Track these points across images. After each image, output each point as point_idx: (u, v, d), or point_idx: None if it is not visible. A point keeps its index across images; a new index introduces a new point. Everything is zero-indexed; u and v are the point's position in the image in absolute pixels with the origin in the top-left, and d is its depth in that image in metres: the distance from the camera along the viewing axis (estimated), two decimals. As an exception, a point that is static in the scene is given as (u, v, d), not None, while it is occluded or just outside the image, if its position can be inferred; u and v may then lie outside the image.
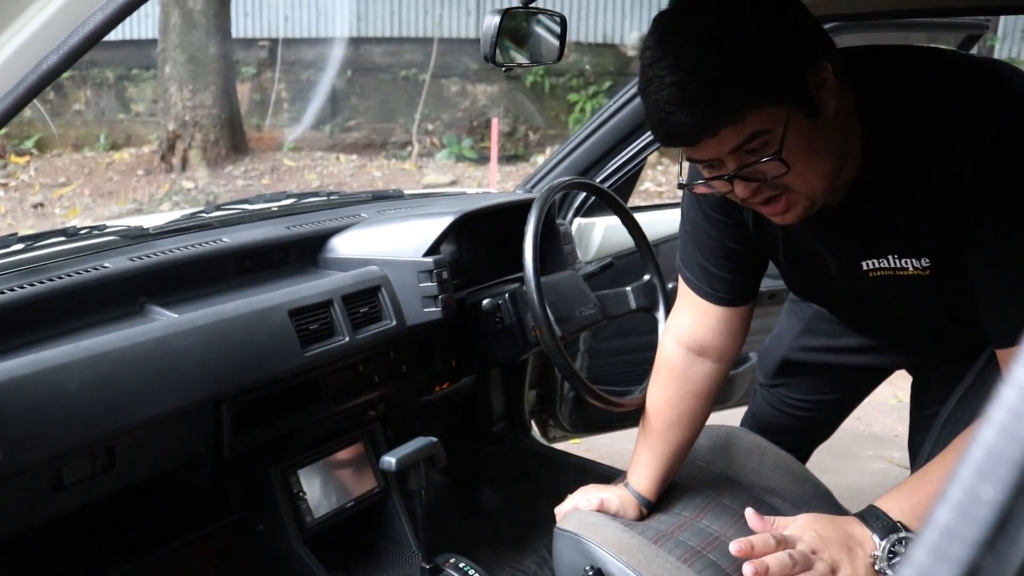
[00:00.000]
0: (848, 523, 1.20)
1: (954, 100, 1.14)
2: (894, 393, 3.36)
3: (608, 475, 2.25)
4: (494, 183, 7.52)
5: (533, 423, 2.58)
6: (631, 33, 9.36)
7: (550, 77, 9.45)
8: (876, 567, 1.14)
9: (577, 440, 3.01)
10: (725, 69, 1.03)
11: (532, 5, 1.19)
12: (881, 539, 1.16)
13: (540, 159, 8.49)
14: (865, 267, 1.29)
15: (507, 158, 8.89)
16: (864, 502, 1.27)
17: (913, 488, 1.20)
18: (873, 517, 1.18)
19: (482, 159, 8.84)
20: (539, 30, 1.26)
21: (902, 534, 1.15)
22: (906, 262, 1.24)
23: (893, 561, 1.13)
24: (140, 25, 9.32)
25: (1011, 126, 1.10)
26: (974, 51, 2.74)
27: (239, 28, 9.17)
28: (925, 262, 1.22)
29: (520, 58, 1.23)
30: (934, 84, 1.17)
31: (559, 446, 2.63)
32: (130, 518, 1.60)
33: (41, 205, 7.09)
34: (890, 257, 1.25)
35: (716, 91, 1.04)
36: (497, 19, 1.12)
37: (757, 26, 1.05)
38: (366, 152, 8.75)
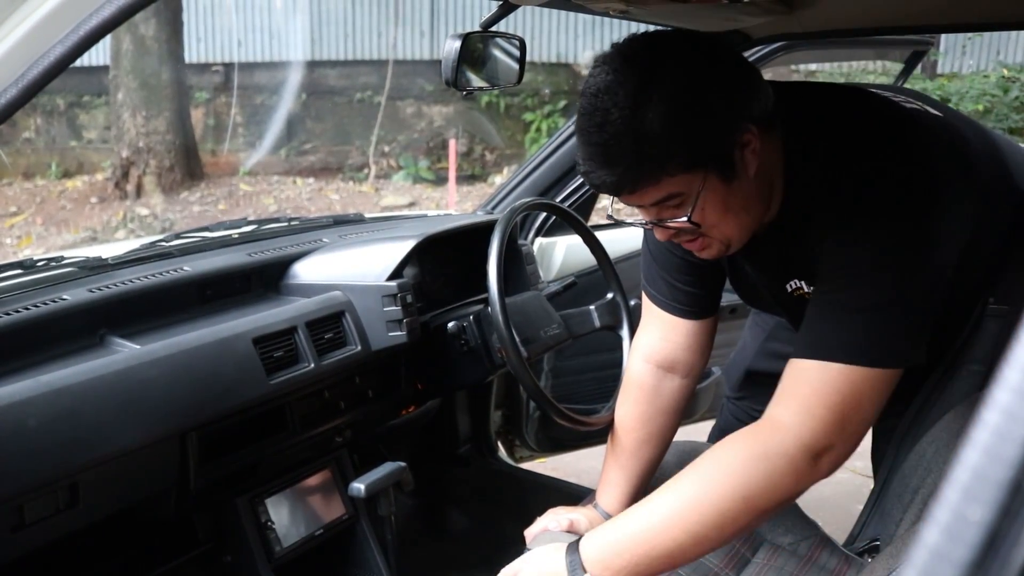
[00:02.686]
0: (556, 563, 1.27)
1: (860, 155, 1.20)
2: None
3: (576, 494, 2.26)
4: (453, 204, 7.53)
5: (499, 444, 2.57)
6: (584, 52, 9.47)
7: (505, 97, 9.51)
8: None
9: (543, 459, 3.01)
10: (645, 138, 1.10)
11: (491, 29, 1.20)
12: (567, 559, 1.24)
13: (498, 179, 8.53)
14: (789, 288, 1.37)
15: (464, 178, 8.91)
16: (829, 511, 1.29)
17: (612, 528, 1.25)
18: (574, 551, 1.25)
19: (439, 180, 8.85)
20: (498, 53, 1.28)
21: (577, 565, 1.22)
22: (804, 285, 1.33)
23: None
24: (91, 52, 9.19)
25: (890, 196, 1.16)
26: (920, 68, 2.82)
27: (192, 53, 9.10)
28: (809, 287, 1.31)
29: (480, 82, 1.25)
30: (853, 138, 1.23)
31: (526, 466, 2.63)
32: (95, 554, 1.56)
33: (-9, 235, 6.96)
34: (801, 280, 1.34)
35: (635, 157, 1.11)
36: (458, 44, 1.13)
37: (683, 92, 1.11)
38: (323, 175, 8.72)
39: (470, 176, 8.97)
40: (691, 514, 1.16)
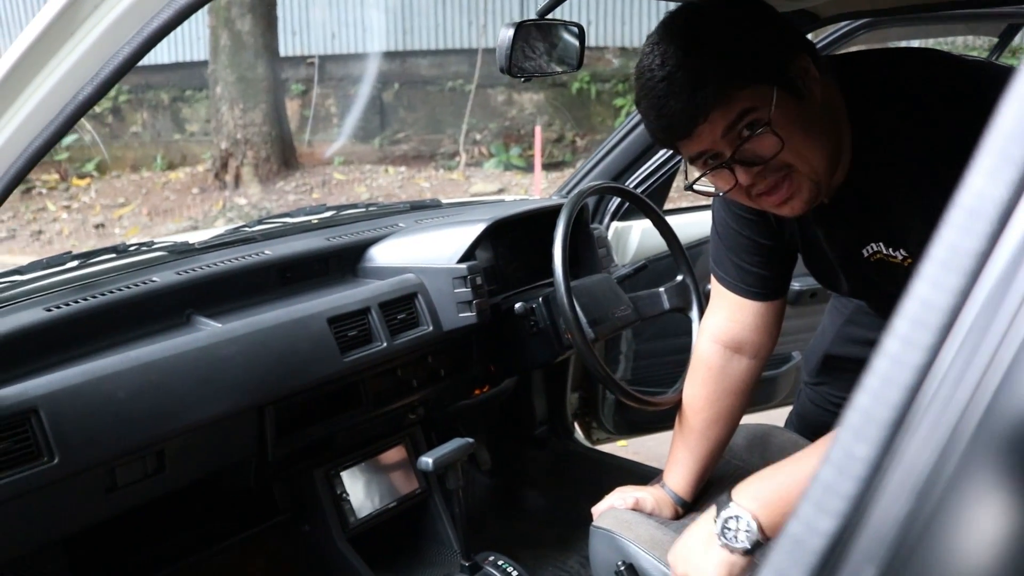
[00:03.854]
0: (699, 526, 1.28)
1: (926, 110, 1.16)
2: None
3: (650, 475, 2.27)
4: (538, 190, 7.56)
5: (576, 425, 2.60)
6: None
7: (596, 83, 9.46)
8: (718, 542, 1.22)
9: (624, 443, 3.02)
10: (707, 57, 1.10)
11: (547, 17, 1.23)
12: (716, 516, 1.23)
13: (586, 165, 8.50)
14: (865, 254, 1.32)
15: (554, 164, 8.92)
16: None
17: (763, 476, 1.24)
18: (721, 503, 1.25)
19: (530, 167, 8.89)
20: (556, 40, 1.30)
21: (737, 511, 1.20)
22: (891, 250, 1.28)
23: (727, 534, 1.21)
24: (191, 47, 9.58)
25: (968, 138, 1.11)
26: (1016, 40, 2.69)
27: (287, 47, 9.37)
28: (902, 253, 1.26)
29: (537, 69, 1.27)
30: (920, 89, 1.19)
31: (603, 448, 2.64)
32: (181, 520, 1.67)
33: (102, 225, 7.33)
34: (881, 243, 1.29)
35: (701, 77, 1.09)
36: (511, 32, 1.16)
37: (734, 22, 1.13)
38: (414, 164, 8.86)
39: (560, 162, 8.98)
40: None
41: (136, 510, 1.40)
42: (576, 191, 1.69)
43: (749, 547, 1.19)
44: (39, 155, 0.77)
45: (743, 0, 1.19)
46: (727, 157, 1.15)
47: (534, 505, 2.43)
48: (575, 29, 1.32)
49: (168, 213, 7.45)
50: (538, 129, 7.96)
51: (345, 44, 9.67)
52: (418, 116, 9.63)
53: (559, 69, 1.30)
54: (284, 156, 7.95)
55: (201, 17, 8.66)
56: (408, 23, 9.62)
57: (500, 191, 7.80)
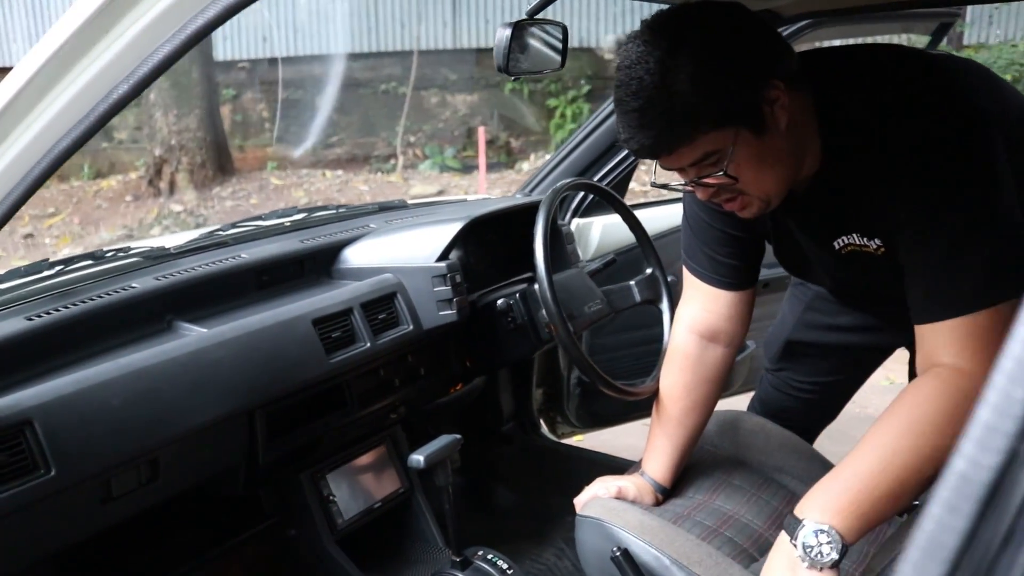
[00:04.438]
0: (777, 554, 1.26)
1: (898, 101, 1.25)
2: (886, 375, 3.44)
3: (617, 466, 2.31)
4: (483, 190, 7.58)
5: (541, 421, 2.64)
6: (606, 36, 9.46)
7: (529, 84, 9.53)
8: (805, 563, 1.20)
9: (580, 437, 3.07)
10: (677, 100, 1.17)
11: (537, 17, 1.26)
12: (793, 540, 1.22)
13: (525, 165, 8.56)
14: (837, 245, 1.40)
15: (491, 166, 8.95)
16: None
17: (825, 488, 1.25)
18: (791, 525, 1.24)
19: (466, 168, 8.90)
20: (542, 40, 1.33)
21: (815, 526, 1.20)
22: (866, 240, 1.36)
23: (811, 553, 1.19)
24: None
25: (940, 128, 1.21)
26: (945, 39, 2.83)
27: (219, 51, 9.20)
28: (877, 243, 1.34)
29: (528, 67, 1.30)
30: (886, 85, 1.28)
31: (567, 441, 2.69)
32: (166, 531, 1.65)
33: (31, 236, 7.09)
34: (855, 235, 1.37)
35: (669, 119, 1.18)
36: (508, 32, 1.19)
37: (709, 55, 1.18)
38: (350, 167, 8.80)
39: (496, 163, 9.01)
40: (906, 457, 1.19)
41: (128, 521, 1.38)
42: (552, 188, 1.72)
43: (837, 558, 1.18)
44: (68, 154, 0.76)
45: (728, 10, 1.23)
46: (687, 178, 1.28)
47: (505, 500, 2.45)
48: (560, 29, 1.35)
49: (101, 222, 7.24)
50: (482, 130, 7.99)
51: (277, 48, 9.54)
52: (352, 119, 9.56)
53: (547, 68, 1.34)
54: (220, 162, 7.82)
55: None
56: (341, 25, 9.54)
57: (439, 193, 7.80)
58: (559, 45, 1.37)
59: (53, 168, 0.79)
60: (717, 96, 1.18)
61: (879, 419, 1.25)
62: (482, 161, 7.74)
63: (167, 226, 6.80)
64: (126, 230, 6.79)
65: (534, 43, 1.30)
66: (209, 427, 1.39)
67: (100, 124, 0.74)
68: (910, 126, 1.22)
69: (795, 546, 1.21)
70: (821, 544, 1.19)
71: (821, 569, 1.19)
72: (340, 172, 8.44)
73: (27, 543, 1.23)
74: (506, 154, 9.29)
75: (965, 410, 1.20)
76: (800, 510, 1.24)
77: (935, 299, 1.23)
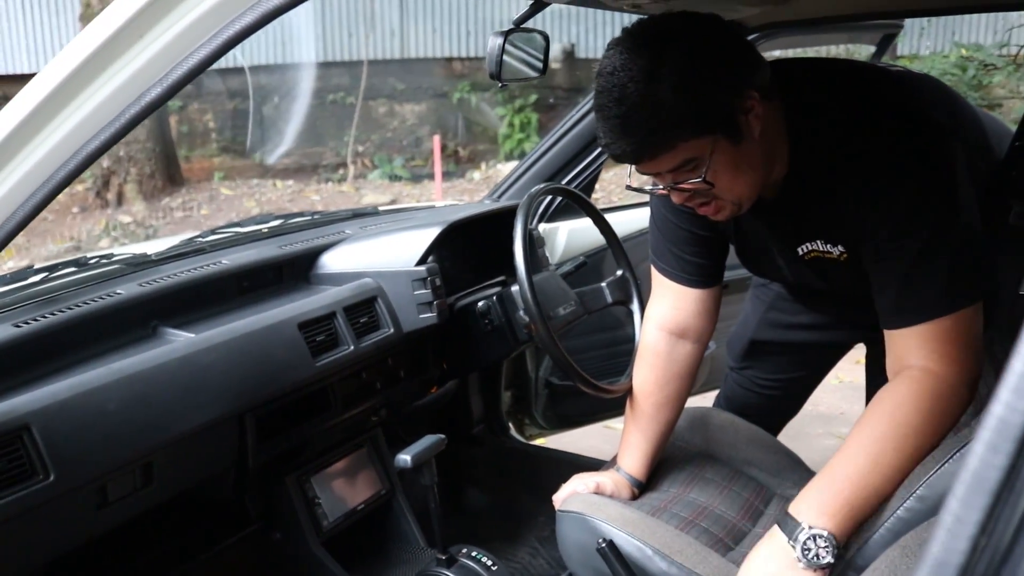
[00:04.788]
0: (769, 549, 1.31)
1: (865, 116, 1.33)
2: (836, 375, 3.57)
3: (586, 465, 2.36)
4: (439, 198, 7.61)
5: (510, 423, 2.68)
6: (553, 46, 9.54)
7: (476, 93, 9.59)
8: (802, 564, 1.26)
9: (543, 440, 3.12)
10: (659, 108, 1.22)
11: (523, 26, 1.30)
12: (791, 540, 1.28)
13: (476, 175, 8.60)
14: (800, 251, 1.49)
15: (442, 175, 8.98)
16: None
17: (819, 489, 1.30)
18: (787, 524, 1.30)
19: (415, 177, 8.91)
20: (527, 48, 1.38)
21: (811, 531, 1.26)
22: (829, 247, 1.44)
23: (808, 555, 1.25)
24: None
25: (904, 144, 1.30)
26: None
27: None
28: (840, 249, 1.42)
29: (516, 74, 1.35)
30: (852, 99, 1.36)
31: (535, 443, 2.73)
32: (151, 538, 1.64)
33: (-29, 249, 6.89)
34: (818, 242, 1.45)
35: (651, 127, 1.24)
36: (500, 40, 1.24)
37: (691, 66, 1.23)
38: (298, 177, 8.75)
39: (446, 172, 9.04)
40: (891, 457, 1.26)
41: (115, 528, 1.38)
42: (528, 193, 1.76)
43: (833, 561, 1.25)
44: (96, 155, 0.78)
45: (708, 21, 1.29)
46: (666, 183, 1.33)
47: (477, 501, 2.48)
48: (541, 37, 1.40)
49: (47, 234, 7.08)
50: (437, 138, 8.02)
51: (224, 58, 9.43)
52: (299, 129, 9.50)
53: (532, 75, 1.39)
54: (169, 172, 7.71)
55: (72, 26, 8.29)
56: (287, 35, 9.48)
57: (392, 202, 7.80)
58: (541, 54, 1.42)
59: (81, 168, 0.81)
60: (699, 105, 1.23)
61: (860, 422, 1.33)
62: (437, 169, 7.78)
63: (116, 238, 6.69)
64: (73, 242, 6.66)
65: (519, 52, 1.34)
66: (201, 431, 1.40)
67: (130, 126, 0.76)
68: (876, 141, 1.30)
69: (793, 547, 1.27)
70: (819, 548, 1.25)
71: (816, 570, 1.26)
72: (291, 182, 8.39)
73: (24, 550, 1.23)
74: (455, 163, 9.33)
75: (939, 409, 1.29)
76: (796, 511, 1.30)
77: (904, 307, 1.32)
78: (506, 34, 1.24)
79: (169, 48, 0.73)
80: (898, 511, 1.21)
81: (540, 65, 1.43)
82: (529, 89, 9.54)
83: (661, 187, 1.36)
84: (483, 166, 8.85)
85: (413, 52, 9.70)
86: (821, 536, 1.25)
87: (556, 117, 9.39)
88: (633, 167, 1.35)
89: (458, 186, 8.37)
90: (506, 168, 8.56)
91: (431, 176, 8.77)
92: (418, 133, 9.53)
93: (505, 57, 1.30)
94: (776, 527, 1.32)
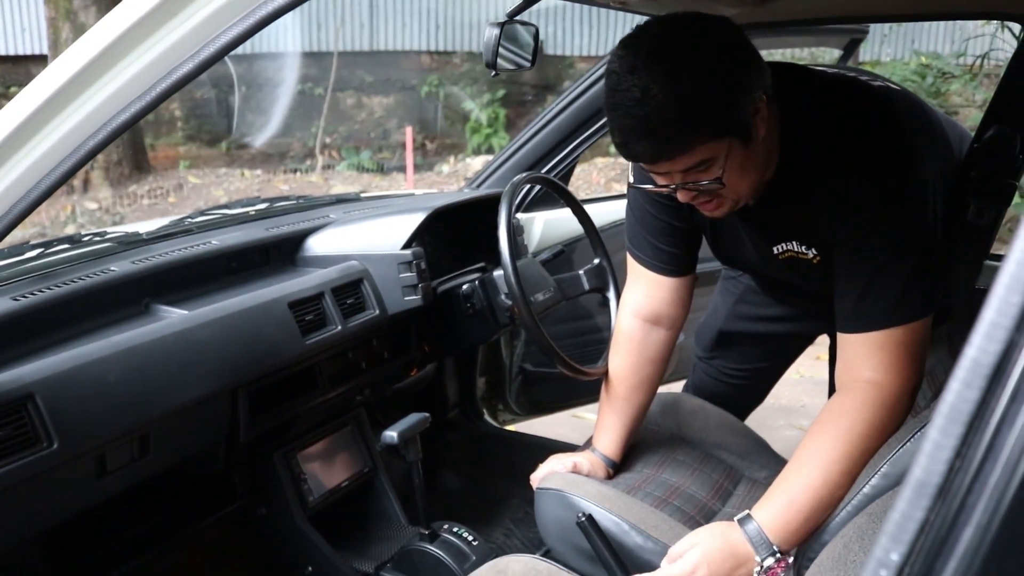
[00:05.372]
0: (734, 540, 1.39)
1: (849, 131, 1.41)
2: (797, 370, 3.68)
3: (558, 449, 2.41)
4: (411, 189, 7.63)
5: (484, 408, 2.73)
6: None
7: (445, 86, 9.61)
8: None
9: (514, 427, 3.18)
10: (681, 110, 1.25)
11: (516, 18, 1.36)
12: (761, 559, 1.37)
13: (445, 168, 8.63)
14: (776, 251, 1.56)
15: (404, 168, 8.99)
16: (782, 463, 1.52)
17: (782, 506, 1.39)
18: (758, 537, 1.38)
19: (382, 170, 8.92)
20: (519, 41, 1.44)
21: (777, 555, 1.37)
22: (804, 248, 1.52)
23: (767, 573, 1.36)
24: (18, 40, 9.01)
25: (883, 163, 1.38)
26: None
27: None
28: (814, 252, 1.50)
29: (509, 64, 1.41)
30: (836, 111, 1.44)
31: (508, 428, 2.79)
32: (137, 513, 1.67)
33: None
34: (794, 243, 1.53)
35: (673, 128, 1.26)
36: (497, 31, 1.29)
37: (710, 69, 1.26)
38: (265, 167, 8.71)
39: (415, 165, 9.06)
40: (841, 465, 1.36)
41: (106, 501, 1.41)
42: (512, 181, 1.82)
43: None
44: (126, 127, 0.81)
45: (721, 25, 1.32)
46: (675, 183, 1.36)
47: (452, 485, 2.53)
48: (532, 29, 1.46)
49: (8, 219, 6.95)
50: (409, 130, 8.03)
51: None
52: (266, 119, 9.45)
53: (524, 65, 1.44)
54: (136, 159, 7.62)
55: (36, 7, 8.16)
56: (256, 24, 9.40)
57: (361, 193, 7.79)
58: (532, 45, 1.48)
59: (111, 138, 0.84)
60: (721, 108, 1.27)
61: (809, 435, 1.43)
62: (409, 160, 7.80)
63: (82, 224, 6.61)
64: (38, 227, 6.56)
65: (512, 43, 1.40)
66: (196, 404, 1.44)
67: (160, 100, 0.80)
68: (854, 155, 1.38)
69: (757, 562, 1.37)
70: (779, 571, 1.36)
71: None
72: (259, 172, 8.35)
73: (26, 517, 1.26)
74: (422, 156, 9.35)
75: (882, 419, 1.40)
76: (760, 517, 1.39)
77: (861, 313, 1.40)
78: (502, 25, 1.28)
79: (202, 26, 0.76)
80: (864, 488, 1.29)
81: (530, 56, 1.48)
82: (497, 84, 9.59)
83: (668, 187, 1.38)
84: (452, 160, 8.88)
85: (382, 45, 9.69)
86: (780, 558, 1.37)
87: (524, 113, 9.48)
88: (633, 164, 1.39)
89: (427, 179, 8.39)
90: (475, 162, 8.60)
91: (399, 168, 8.78)
92: (386, 126, 9.53)
93: (500, 48, 1.34)
94: (736, 523, 1.41)
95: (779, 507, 1.39)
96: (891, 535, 0.47)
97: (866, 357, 1.40)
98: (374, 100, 9.60)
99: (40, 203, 0.96)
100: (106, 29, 0.81)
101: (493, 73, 1.37)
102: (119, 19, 0.80)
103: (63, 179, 0.92)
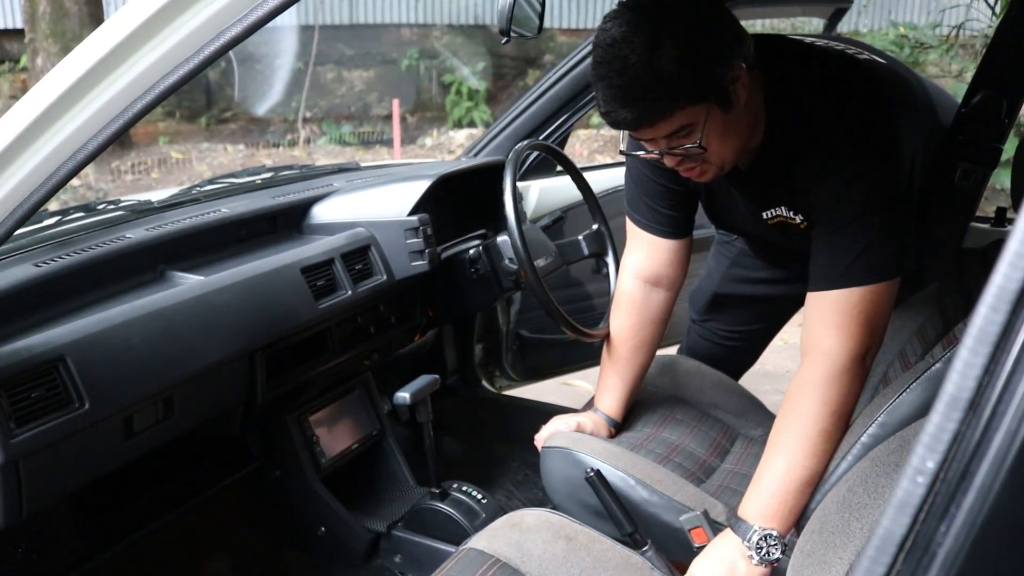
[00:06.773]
0: (725, 548, 1.44)
1: (831, 99, 1.46)
2: (781, 337, 3.76)
3: (556, 413, 2.47)
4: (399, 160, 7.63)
5: (481, 375, 2.78)
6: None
7: (424, 60, 9.57)
8: (755, 560, 1.41)
9: (511, 393, 3.23)
10: (660, 78, 1.32)
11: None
12: (746, 540, 1.42)
13: (428, 140, 8.62)
14: (765, 216, 1.62)
15: (387, 141, 8.97)
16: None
17: (756, 489, 1.46)
18: (740, 527, 1.44)
19: (364, 143, 8.90)
20: (526, 7, 1.47)
21: (762, 532, 1.41)
22: (792, 214, 1.58)
23: (761, 553, 1.41)
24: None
25: (864, 128, 1.44)
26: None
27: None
28: (800, 217, 1.56)
29: (521, 31, 1.44)
30: (823, 82, 1.49)
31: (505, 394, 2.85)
32: (154, 476, 1.71)
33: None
34: (782, 208, 1.58)
35: (652, 95, 1.33)
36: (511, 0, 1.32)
37: (690, 38, 1.33)
38: (247, 141, 8.66)
39: (391, 140, 9.03)
40: (808, 446, 1.42)
41: (125, 466, 1.45)
42: (515, 148, 1.85)
43: (780, 556, 1.40)
44: (128, 125, 0.84)
45: None
46: (658, 148, 1.43)
47: (452, 450, 2.59)
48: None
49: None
50: (396, 102, 8.01)
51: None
52: (245, 94, 9.38)
53: (528, 34, 1.48)
54: (117, 134, 7.52)
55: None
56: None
57: (344, 167, 7.76)
58: (538, 11, 1.51)
59: (113, 137, 0.87)
60: (697, 75, 1.33)
61: (780, 418, 1.48)
62: (396, 132, 7.79)
63: (65, 201, 6.55)
64: (19, 204, 6.50)
65: (519, 9, 1.43)
66: (216, 367, 1.48)
67: (159, 100, 0.83)
68: (837, 126, 1.44)
69: (747, 547, 1.42)
70: (769, 546, 1.41)
71: (767, 565, 1.41)
72: (241, 146, 8.30)
73: (58, 477, 1.29)
74: (404, 129, 9.32)
75: (838, 390, 1.49)
76: (744, 512, 1.45)
77: (825, 270, 1.46)
78: (514, -7, 1.32)
79: (176, 46, 0.79)
80: (861, 438, 1.36)
81: (537, 23, 1.52)
82: (477, 57, 9.56)
83: (654, 152, 1.45)
84: (434, 133, 8.87)
85: (363, 18, 9.62)
86: (770, 535, 1.41)
87: (504, 87, 9.47)
88: (625, 132, 1.45)
89: (410, 152, 8.38)
90: (457, 135, 8.60)
91: (381, 142, 8.75)
92: (366, 99, 9.49)
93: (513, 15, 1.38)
94: (729, 529, 1.46)
95: (756, 495, 1.45)
96: (926, 445, 0.52)
97: (821, 321, 1.45)
98: (355, 74, 9.55)
99: (44, 202, 0.98)
100: (108, 30, 0.84)
101: (504, 40, 1.40)
102: (123, 21, 0.83)
103: (66, 178, 0.95)
